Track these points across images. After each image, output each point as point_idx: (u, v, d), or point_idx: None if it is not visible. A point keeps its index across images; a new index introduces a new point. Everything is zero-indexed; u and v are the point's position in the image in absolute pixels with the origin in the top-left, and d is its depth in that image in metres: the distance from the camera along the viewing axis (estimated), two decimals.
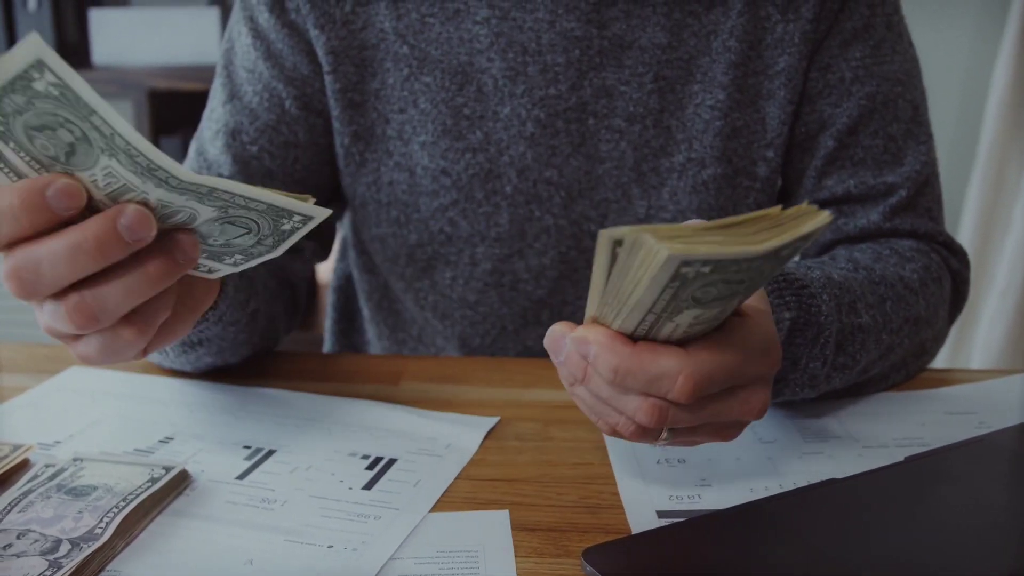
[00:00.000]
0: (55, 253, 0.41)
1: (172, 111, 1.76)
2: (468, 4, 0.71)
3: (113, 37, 1.71)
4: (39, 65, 0.36)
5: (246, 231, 0.46)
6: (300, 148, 0.75)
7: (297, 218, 0.46)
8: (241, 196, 0.43)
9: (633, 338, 0.43)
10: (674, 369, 0.41)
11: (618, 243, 0.37)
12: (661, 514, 0.50)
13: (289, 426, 0.61)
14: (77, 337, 0.46)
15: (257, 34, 0.73)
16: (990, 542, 0.46)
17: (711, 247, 0.35)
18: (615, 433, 0.46)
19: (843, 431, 0.60)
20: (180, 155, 1.69)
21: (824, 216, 0.37)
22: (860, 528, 0.48)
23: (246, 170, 0.74)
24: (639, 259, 0.37)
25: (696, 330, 0.42)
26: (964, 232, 1.79)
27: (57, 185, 0.40)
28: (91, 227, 0.41)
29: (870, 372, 0.63)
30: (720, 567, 0.45)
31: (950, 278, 0.72)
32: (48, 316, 0.44)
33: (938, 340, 0.70)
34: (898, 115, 0.73)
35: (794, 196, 0.76)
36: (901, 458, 0.55)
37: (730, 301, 0.40)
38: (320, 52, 0.72)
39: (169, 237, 0.44)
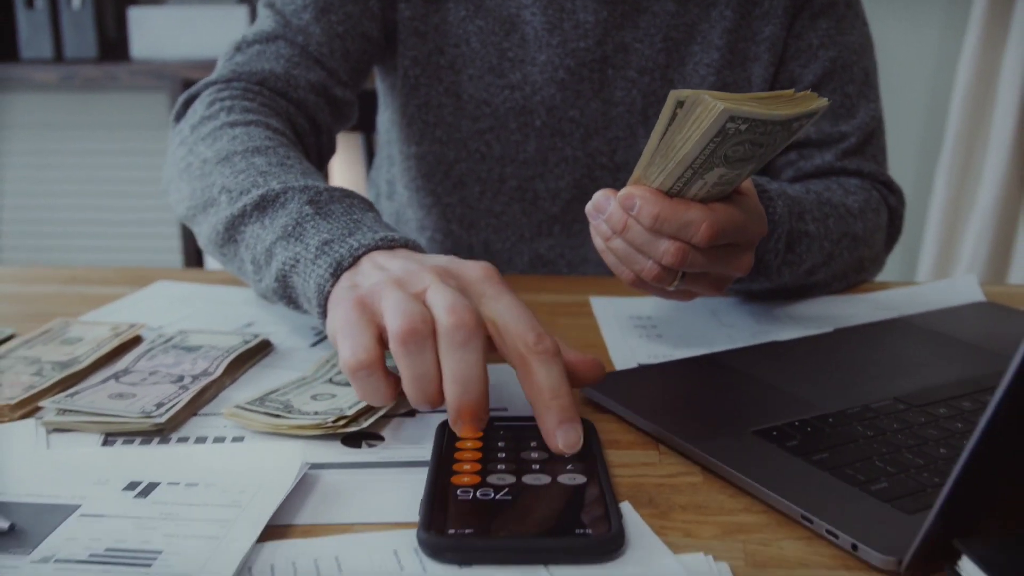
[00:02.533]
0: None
1: None
2: None
3: (150, 33, 1.86)
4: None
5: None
6: (371, 43, 0.86)
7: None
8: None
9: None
10: (700, 217, 0.56)
11: (679, 103, 0.50)
12: (642, 365, 0.65)
13: None
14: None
15: None
16: (889, 377, 0.61)
17: (752, 107, 0.49)
18: (637, 281, 0.60)
19: (788, 318, 0.75)
20: None
21: (824, 100, 0.52)
22: (795, 369, 0.62)
23: (333, 43, 0.82)
24: (696, 115, 0.50)
25: (716, 191, 0.56)
26: (932, 213, 1.93)
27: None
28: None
29: (815, 276, 0.77)
30: (689, 390, 0.60)
31: (887, 211, 0.87)
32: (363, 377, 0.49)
33: (876, 262, 0.85)
34: (853, 77, 0.88)
35: None
36: (831, 330, 0.69)
37: (747, 166, 0.54)
38: None
39: None
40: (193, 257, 1.92)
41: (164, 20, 1.85)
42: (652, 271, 0.59)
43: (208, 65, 1.82)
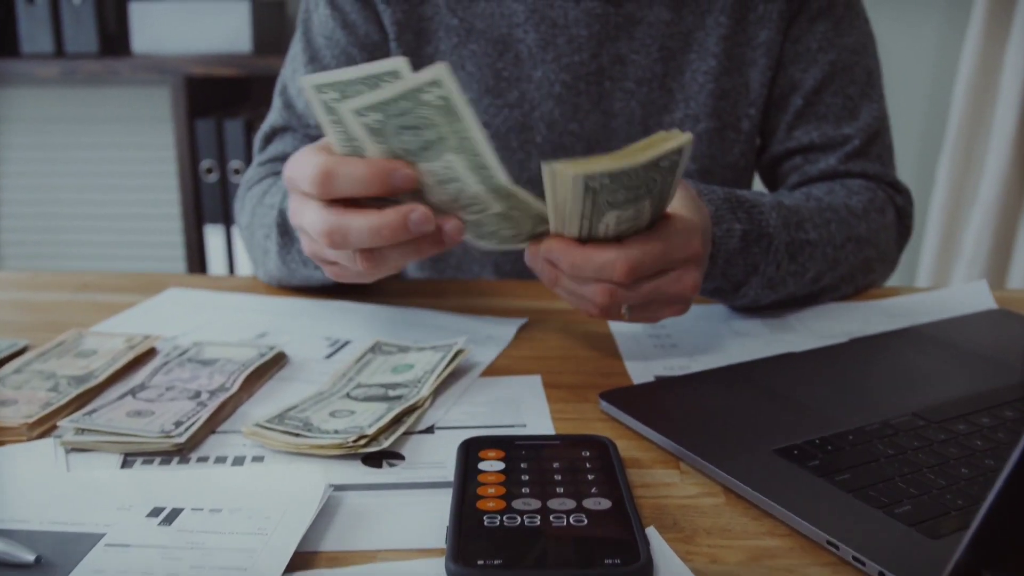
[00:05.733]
0: (360, 229, 0.56)
1: (207, 95, 1.90)
2: None
3: (152, 27, 1.85)
4: (436, 83, 0.51)
5: (512, 229, 0.60)
6: None
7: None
8: (525, 204, 0.57)
9: (582, 241, 0.59)
10: (612, 257, 0.57)
11: (552, 175, 0.54)
12: (658, 378, 0.65)
13: (361, 325, 0.75)
14: (335, 263, 0.62)
15: (334, 7, 0.88)
16: (906, 390, 0.61)
17: (605, 165, 0.52)
18: (590, 314, 0.61)
19: (802, 326, 0.75)
20: (214, 135, 1.84)
21: (686, 136, 0.54)
22: (811, 381, 0.62)
23: None
24: (558, 182, 0.54)
25: (625, 228, 0.57)
26: (935, 206, 1.93)
27: (402, 172, 0.55)
28: (388, 217, 0.55)
29: (822, 282, 0.77)
30: (705, 403, 0.60)
31: (894, 210, 0.87)
32: (334, 254, 0.60)
33: (884, 262, 0.85)
34: (855, 79, 0.88)
35: (768, 146, 0.91)
36: (846, 340, 0.69)
37: (641, 203, 0.56)
38: (387, 23, 0.86)
39: (442, 221, 0.58)
40: (195, 248, 1.91)
41: (165, 14, 1.84)
42: (594, 311, 0.61)
43: (210, 59, 1.81)
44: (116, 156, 1.99)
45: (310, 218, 0.58)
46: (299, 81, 0.51)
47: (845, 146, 0.87)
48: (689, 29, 0.86)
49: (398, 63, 0.51)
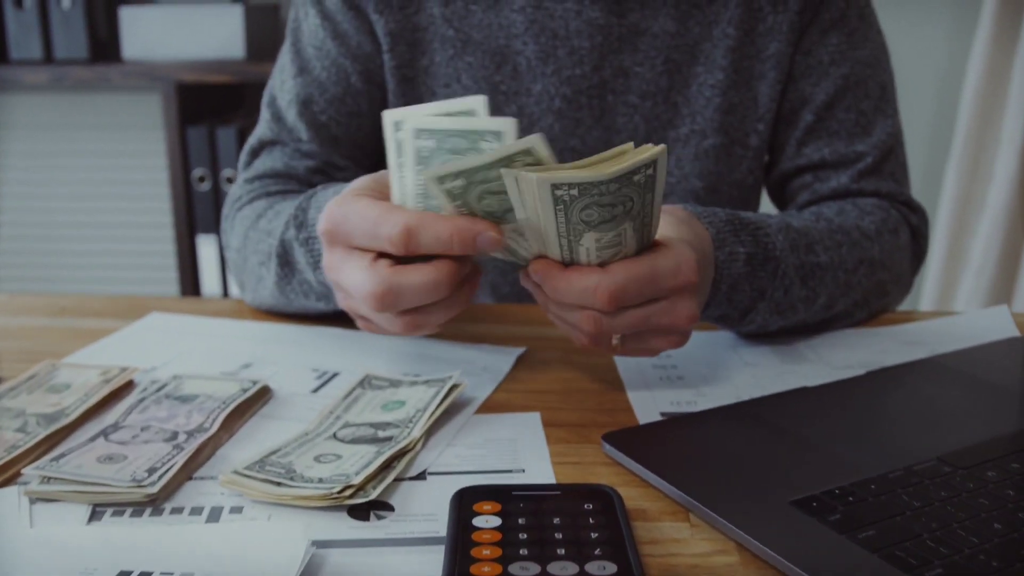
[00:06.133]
0: (416, 287, 0.54)
1: (198, 103, 1.86)
2: None
3: (142, 33, 1.81)
4: (528, 152, 0.49)
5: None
6: (363, 117, 0.86)
7: None
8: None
9: (566, 265, 0.55)
10: (593, 283, 0.54)
11: (516, 181, 0.51)
12: (664, 415, 0.61)
13: (350, 355, 0.71)
14: (369, 319, 0.60)
15: (325, 16, 0.84)
16: (931, 429, 0.57)
17: (571, 173, 0.49)
18: (582, 343, 0.58)
19: (815, 355, 0.71)
20: (206, 142, 1.80)
21: (659, 149, 0.50)
22: (826, 420, 0.59)
23: (319, 135, 0.85)
24: (525, 190, 0.50)
25: (608, 254, 0.54)
26: (942, 212, 1.90)
27: (488, 235, 0.53)
28: (445, 271, 0.54)
29: (834, 308, 0.74)
30: (714, 446, 0.56)
31: (909, 231, 0.83)
32: (374, 315, 0.58)
33: (899, 284, 0.81)
34: (868, 93, 0.84)
35: (777, 163, 0.88)
36: (863, 373, 0.66)
37: (619, 225, 0.52)
38: (380, 33, 0.83)
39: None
40: (187, 258, 1.88)
41: (156, 20, 1.80)
42: (584, 340, 0.58)
43: (202, 66, 1.77)
44: (106, 164, 1.95)
45: (357, 278, 0.56)
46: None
47: (858, 163, 0.83)
48: (695, 41, 0.83)
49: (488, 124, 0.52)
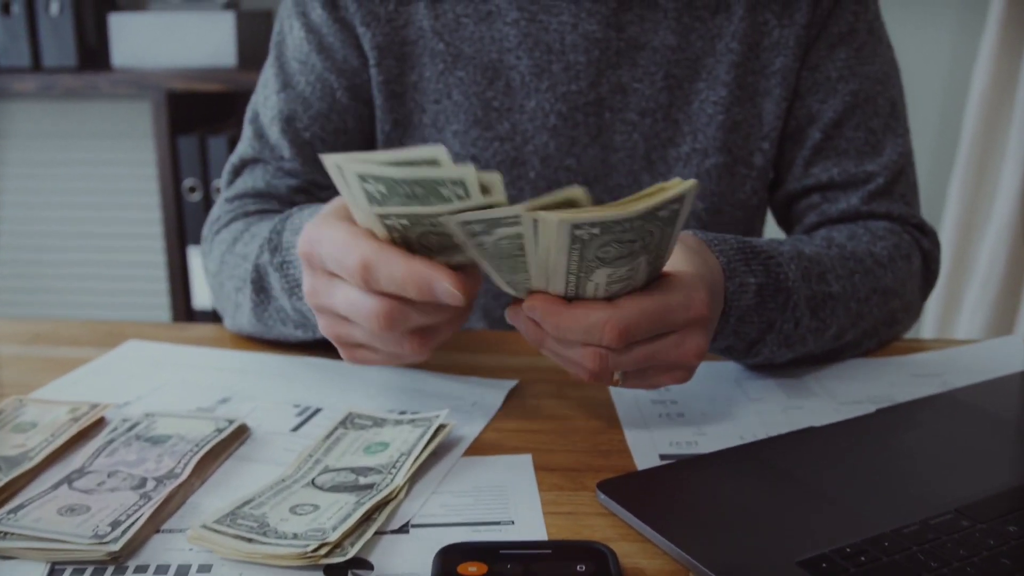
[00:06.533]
0: (424, 308, 0.51)
1: (189, 111, 1.83)
2: (499, 6, 0.78)
3: (132, 40, 1.78)
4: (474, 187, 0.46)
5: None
6: (349, 134, 0.83)
7: None
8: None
9: (568, 299, 0.52)
10: (602, 319, 0.50)
11: (534, 222, 0.47)
12: (663, 457, 0.58)
13: (334, 389, 0.68)
14: (362, 347, 0.56)
15: (310, 28, 0.81)
16: (946, 476, 0.54)
17: (595, 213, 0.45)
18: (580, 379, 0.55)
19: (821, 390, 0.68)
20: (197, 152, 1.77)
21: (689, 183, 0.46)
22: (835, 465, 0.55)
23: (303, 153, 0.82)
24: (542, 230, 0.46)
25: (617, 288, 0.51)
26: (946, 224, 1.86)
27: (447, 289, 0.49)
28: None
29: (844, 338, 0.70)
30: (715, 495, 0.53)
31: (920, 256, 0.80)
32: (366, 335, 0.54)
33: (909, 312, 0.78)
34: (878, 110, 0.80)
35: (783, 183, 0.84)
36: (872, 410, 0.62)
37: (635, 259, 0.49)
38: (366, 47, 0.79)
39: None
40: (178, 270, 1.84)
41: (146, 27, 1.77)
42: (584, 376, 0.54)
43: (193, 74, 1.74)
44: (95, 173, 1.92)
45: (355, 298, 0.52)
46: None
47: (868, 184, 0.80)
48: (697, 55, 0.79)
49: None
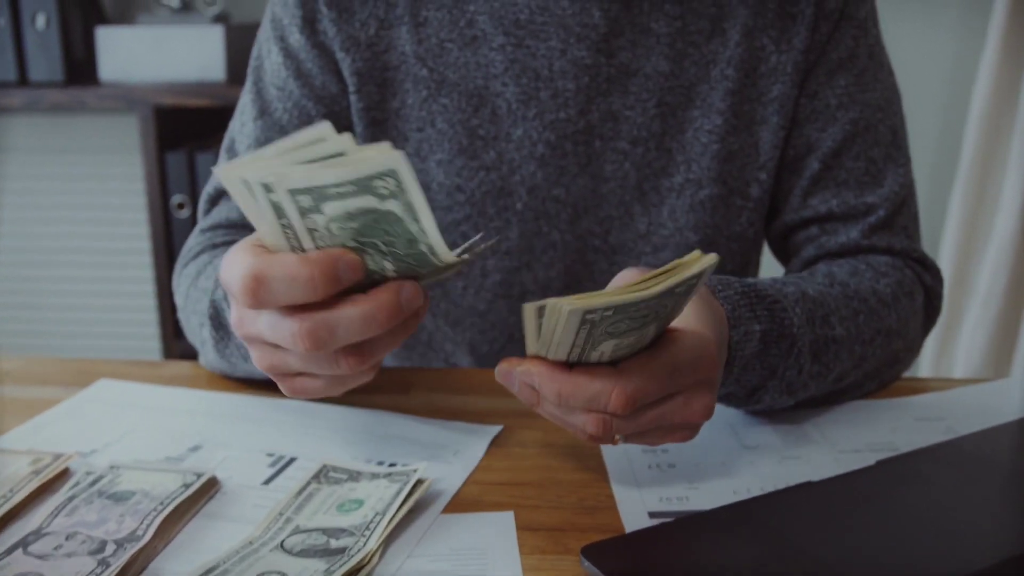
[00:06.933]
0: (350, 319, 0.46)
1: (177, 127, 1.80)
2: (485, 31, 0.75)
3: (120, 54, 1.75)
4: (391, 173, 0.42)
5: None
6: None
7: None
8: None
9: (569, 364, 0.49)
10: (607, 387, 0.47)
11: (539, 311, 0.45)
12: (652, 514, 0.55)
13: (309, 435, 0.65)
14: (300, 375, 0.52)
15: (288, 54, 0.78)
16: (953, 540, 0.51)
17: (607, 298, 0.43)
18: (579, 438, 0.52)
19: (820, 436, 0.65)
20: (185, 168, 1.74)
21: (710, 258, 0.44)
22: (834, 526, 0.52)
23: None
24: (554, 319, 0.45)
25: (623, 352, 0.48)
26: (946, 241, 1.84)
27: (346, 260, 0.46)
28: (380, 299, 0.46)
29: (845, 380, 0.67)
30: (706, 563, 0.50)
31: (923, 292, 0.77)
32: (302, 363, 0.50)
33: (911, 351, 0.75)
34: (879, 139, 0.78)
35: (780, 214, 0.81)
36: (873, 462, 0.59)
37: (644, 330, 0.46)
38: (346, 73, 0.77)
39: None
40: (166, 287, 1.81)
41: (134, 41, 1.74)
42: (583, 438, 0.51)
43: (181, 89, 1.71)
44: (82, 189, 1.88)
45: (271, 321, 0.48)
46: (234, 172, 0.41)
47: (868, 217, 0.77)
48: (691, 82, 0.76)
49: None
